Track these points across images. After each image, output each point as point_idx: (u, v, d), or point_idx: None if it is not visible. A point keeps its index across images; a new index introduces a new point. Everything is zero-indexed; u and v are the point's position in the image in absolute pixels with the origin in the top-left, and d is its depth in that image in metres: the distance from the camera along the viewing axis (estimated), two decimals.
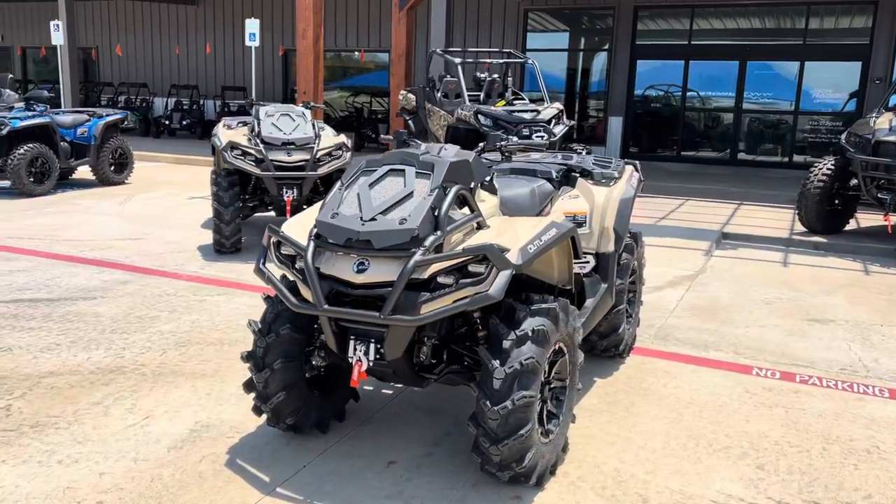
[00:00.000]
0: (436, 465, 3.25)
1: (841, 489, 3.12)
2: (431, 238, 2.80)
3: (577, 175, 4.32)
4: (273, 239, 3.11)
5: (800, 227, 8.52)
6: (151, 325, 4.96)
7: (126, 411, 3.72)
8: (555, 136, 8.89)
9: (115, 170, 11.21)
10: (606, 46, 16.48)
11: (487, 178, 3.40)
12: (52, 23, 16.53)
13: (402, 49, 12.47)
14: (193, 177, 12.28)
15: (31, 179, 9.84)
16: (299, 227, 3.13)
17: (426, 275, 2.79)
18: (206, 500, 2.96)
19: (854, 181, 8.14)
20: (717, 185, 12.58)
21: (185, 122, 18.66)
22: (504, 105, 9.69)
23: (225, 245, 6.79)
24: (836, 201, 8.26)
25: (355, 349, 2.94)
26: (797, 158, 15.18)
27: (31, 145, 9.78)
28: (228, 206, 6.68)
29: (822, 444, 3.52)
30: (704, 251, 7.51)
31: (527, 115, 8.93)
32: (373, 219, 2.86)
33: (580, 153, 4.82)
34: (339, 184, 3.12)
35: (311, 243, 2.93)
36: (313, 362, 3.39)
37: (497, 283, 2.73)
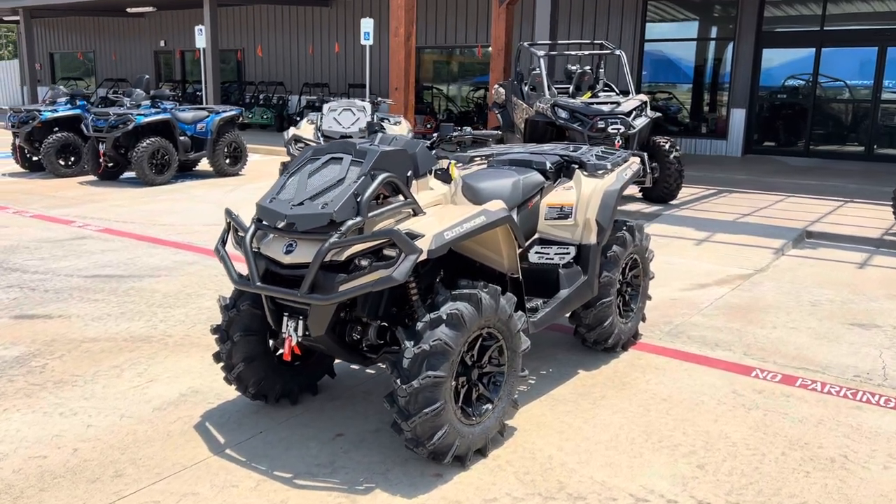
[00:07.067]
0: (378, 441, 3.42)
1: (776, 494, 2.98)
2: (350, 222, 2.96)
3: (575, 167, 4.33)
4: (230, 221, 3.40)
5: None
6: (195, 302, 5.45)
7: (136, 375, 4.16)
8: (633, 128, 8.68)
9: (230, 162, 12.13)
10: (730, 35, 15.71)
11: (441, 168, 3.51)
12: (196, 27, 18.04)
13: (502, 44, 12.56)
14: None
15: (153, 170, 10.88)
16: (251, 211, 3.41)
17: (343, 257, 2.96)
18: (164, 454, 3.30)
19: None
20: (834, 181, 11.72)
21: None
22: (590, 97, 9.56)
23: None
24: None
25: (286, 325, 3.17)
26: None
27: (152, 139, 10.81)
28: None
29: (783, 449, 3.34)
30: (775, 250, 7.09)
31: (605, 108, 8.78)
32: (301, 203, 3.07)
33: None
34: (286, 170, 3.36)
35: (253, 226, 3.19)
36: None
37: (401, 267, 2.86)
